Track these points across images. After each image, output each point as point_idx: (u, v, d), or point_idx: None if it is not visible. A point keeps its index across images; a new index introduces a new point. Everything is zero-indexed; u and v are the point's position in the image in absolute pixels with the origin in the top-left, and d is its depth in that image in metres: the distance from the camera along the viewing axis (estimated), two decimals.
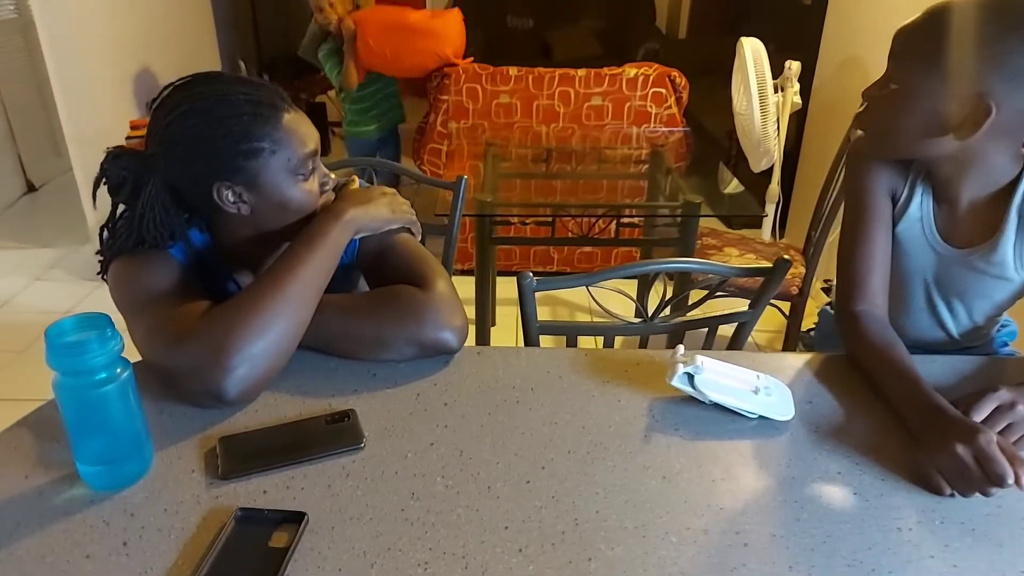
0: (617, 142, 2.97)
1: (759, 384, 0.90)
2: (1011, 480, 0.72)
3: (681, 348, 0.94)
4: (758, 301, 1.23)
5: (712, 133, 3.96)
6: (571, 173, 2.75)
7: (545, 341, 1.20)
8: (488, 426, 0.86)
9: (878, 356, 0.95)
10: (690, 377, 0.90)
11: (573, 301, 2.93)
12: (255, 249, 1.03)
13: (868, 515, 0.74)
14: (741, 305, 1.23)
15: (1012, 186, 0.98)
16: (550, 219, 2.23)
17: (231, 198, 0.93)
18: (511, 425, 0.87)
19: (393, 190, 1.09)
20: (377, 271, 1.05)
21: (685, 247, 2.07)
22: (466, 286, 1.87)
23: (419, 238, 1.11)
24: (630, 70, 2.94)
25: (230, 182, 0.92)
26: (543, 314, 1.92)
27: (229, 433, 0.83)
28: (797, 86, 2.66)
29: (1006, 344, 1.21)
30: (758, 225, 2.90)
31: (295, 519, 0.71)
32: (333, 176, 1.04)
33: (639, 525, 0.72)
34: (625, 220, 2.36)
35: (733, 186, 2.61)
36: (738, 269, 1.19)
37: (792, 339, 2.36)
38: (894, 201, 1.06)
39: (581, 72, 2.95)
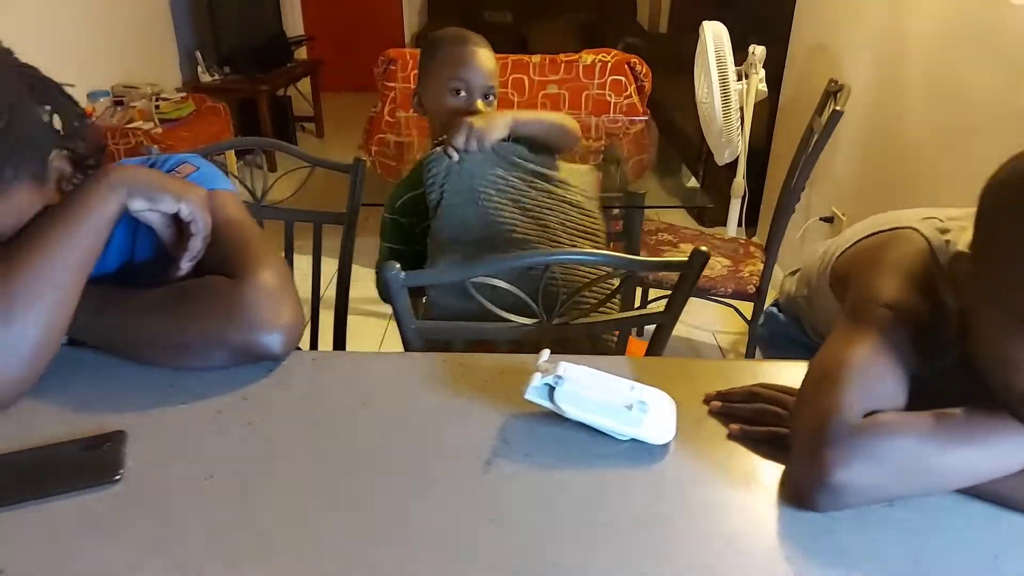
0: None
1: (634, 398, 0.72)
2: None
3: (545, 353, 0.77)
4: (674, 300, 1.06)
5: (685, 128, 3.79)
6: None
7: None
8: (289, 456, 0.69)
9: None
10: (551, 389, 0.73)
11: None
12: None
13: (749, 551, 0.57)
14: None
15: None
16: None
17: None
18: (321, 453, 0.69)
19: (203, 190, 0.84)
20: None
21: (629, 241, 1.89)
22: None
23: (198, 248, 0.83)
24: (587, 56, 2.77)
25: None
26: None
27: None
28: (762, 73, 2.49)
29: None
30: (724, 221, 2.73)
31: None
32: None
33: None
34: None
35: (692, 180, 2.43)
36: (647, 261, 1.02)
37: (753, 344, 2.19)
38: None
39: (535, 58, 2.78)
